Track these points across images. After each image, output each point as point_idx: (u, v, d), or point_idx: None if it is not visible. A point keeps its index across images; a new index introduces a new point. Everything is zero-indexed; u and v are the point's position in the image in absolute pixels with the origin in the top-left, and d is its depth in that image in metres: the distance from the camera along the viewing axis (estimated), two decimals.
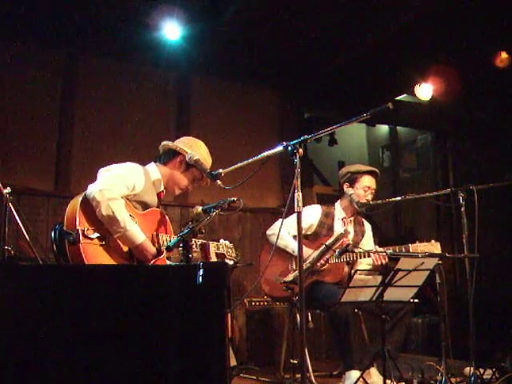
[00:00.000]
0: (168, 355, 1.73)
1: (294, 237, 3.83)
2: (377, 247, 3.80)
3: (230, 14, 4.89)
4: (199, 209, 2.98)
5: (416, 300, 3.28)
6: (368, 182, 3.97)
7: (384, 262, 3.59)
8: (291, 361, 3.63)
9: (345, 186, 4.00)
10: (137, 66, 5.55)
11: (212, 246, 3.23)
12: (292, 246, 3.83)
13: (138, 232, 2.89)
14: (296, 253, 3.78)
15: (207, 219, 2.78)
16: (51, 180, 5.15)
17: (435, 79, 5.77)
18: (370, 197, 3.96)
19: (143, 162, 3.24)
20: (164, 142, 3.35)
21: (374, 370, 3.47)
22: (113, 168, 3.04)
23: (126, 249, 2.93)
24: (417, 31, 5.02)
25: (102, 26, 4.98)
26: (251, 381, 4.12)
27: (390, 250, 3.60)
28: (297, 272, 3.56)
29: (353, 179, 3.98)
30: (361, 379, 3.30)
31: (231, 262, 3.37)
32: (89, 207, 2.85)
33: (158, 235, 3.07)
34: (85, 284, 1.78)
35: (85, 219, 2.81)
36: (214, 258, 3.16)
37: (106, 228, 2.86)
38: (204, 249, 3.13)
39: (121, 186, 2.93)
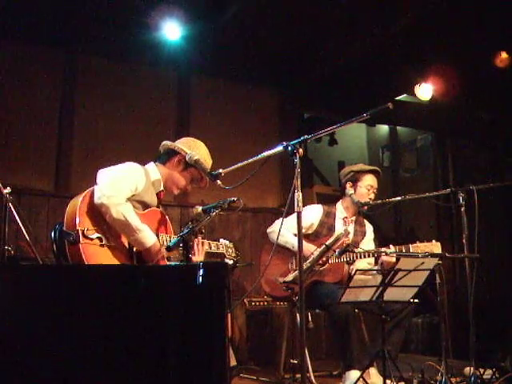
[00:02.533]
0: (168, 355, 1.73)
1: (294, 234, 3.82)
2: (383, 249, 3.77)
3: (229, 14, 4.90)
4: (199, 209, 2.98)
5: (416, 300, 3.28)
6: (371, 180, 3.99)
7: (393, 259, 3.58)
8: (291, 361, 3.63)
9: (347, 186, 4.00)
10: (137, 65, 5.55)
11: (205, 244, 3.20)
12: (292, 241, 3.83)
13: (149, 233, 2.91)
14: (296, 248, 3.78)
15: (207, 219, 2.78)
16: (51, 180, 5.15)
17: (435, 79, 5.77)
18: (372, 196, 3.97)
19: (143, 162, 3.24)
20: (164, 142, 3.35)
21: (373, 371, 3.46)
22: (114, 169, 3.02)
23: (126, 249, 2.93)
24: (417, 31, 5.02)
25: (102, 25, 4.99)
26: (251, 381, 4.12)
27: (390, 250, 3.60)
28: (297, 272, 3.56)
29: (355, 178, 3.99)
30: (361, 379, 3.30)
31: (231, 262, 3.37)
32: (89, 207, 2.85)
33: (158, 235, 3.06)
34: (85, 284, 1.78)
35: (85, 219, 2.81)
36: (200, 257, 3.12)
37: (107, 228, 2.86)
38: (190, 246, 3.06)
39: (126, 190, 2.94)
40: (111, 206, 2.81)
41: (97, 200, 2.84)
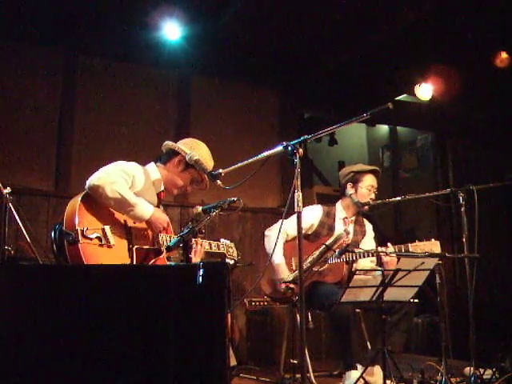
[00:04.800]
0: (168, 355, 1.73)
1: (291, 239, 3.84)
2: (383, 248, 3.76)
3: (229, 14, 4.90)
4: (199, 209, 2.97)
5: (416, 300, 3.27)
6: (371, 181, 3.99)
7: (394, 259, 3.56)
8: (291, 361, 3.63)
9: (348, 186, 4.00)
10: (137, 65, 5.55)
11: (204, 244, 3.20)
12: (274, 258, 3.76)
13: (146, 205, 2.95)
14: (275, 263, 3.77)
15: (207, 219, 2.77)
16: (51, 180, 5.15)
17: (435, 79, 5.77)
18: (373, 196, 3.97)
19: (143, 162, 3.24)
20: (166, 142, 3.35)
21: (377, 369, 3.44)
22: (113, 164, 3.05)
23: (125, 249, 2.93)
24: (417, 31, 5.02)
25: (102, 25, 4.99)
26: (251, 381, 4.12)
27: (389, 249, 3.60)
28: (297, 272, 3.56)
29: (356, 179, 3.99)
30: (361, 379, 3.30)
31: (231, 262, 3.37)
32: (89, 207, 2.85)
33: (158, 235, 3.06)
34: (85, 284, 1.78)
35: (84, 219, 2.81)
36: (197, 258, 3.12)
37: (107, 227, 2.86)
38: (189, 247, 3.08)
39: (119, 177, 2.94)
40: (105, 185, 2.82)
41: (88, 184, 2.85)
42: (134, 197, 2.91)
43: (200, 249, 3.12)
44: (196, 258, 3.07)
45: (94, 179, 2.85)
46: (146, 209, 2.95)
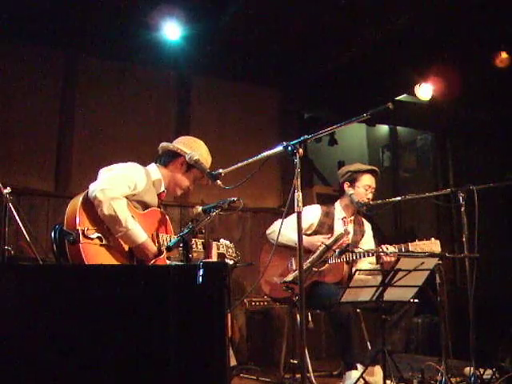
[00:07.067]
0: (168, 355, 1.73)
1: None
2: (383, 247, 3.76)
3: (230, 14, 4.90)
4: (199, 209, 2.98)
5: (416, 300, 3.27)
6: (368, 180, 3.98)
7: (393, 259, 3.55)
8: (291, 361, 3.62)
9: (345, 186, 4.00)
10: (137, 66, 5.55)
11: (214, 245, 3.23)
12: (294, 238, 3.81)
13: (139, 231, 2.89)
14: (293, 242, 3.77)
15: (207, 219, 2.78)
16: (51, 180, 5.16)
17: (435, 79, 5.78)
18: (370, 196, 3.96)
19: (143, 163, 3.24)
20: (163, 144, 3.34)
21: (378, 369, 3.44)
22: (114, 168, 3.04)
23: (126, 249, 2.93)
24: (417, 31, 5.02)
25: (102, 26, 4.99)
26: (251, 381, 4.12)
27: (390, 249, 3.60)
28: (297, 272, 3.56)
29: (353, 178, 3.98)
30: (361, 379, 3.29)
31: (231, 262, 3.37)
32: (89, 207, 2.84)
33: (158, 235, 3.06)
34: (85, 284, 1.78)
35: (85, 219, 2.81)
36: (214, 258, 3.15)
37: (107, 228, 2.86)
38: (207, 247, 3.14)
39: (122, 186, 2.93)
40: (104, 200, 2.80)
41: (91, 193, 2.83)
42: (130, 220, 2.85)
43: (215, 250, 3.17)
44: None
45: (97, 190, 2.82)
46: (138, 235, 2.88)
